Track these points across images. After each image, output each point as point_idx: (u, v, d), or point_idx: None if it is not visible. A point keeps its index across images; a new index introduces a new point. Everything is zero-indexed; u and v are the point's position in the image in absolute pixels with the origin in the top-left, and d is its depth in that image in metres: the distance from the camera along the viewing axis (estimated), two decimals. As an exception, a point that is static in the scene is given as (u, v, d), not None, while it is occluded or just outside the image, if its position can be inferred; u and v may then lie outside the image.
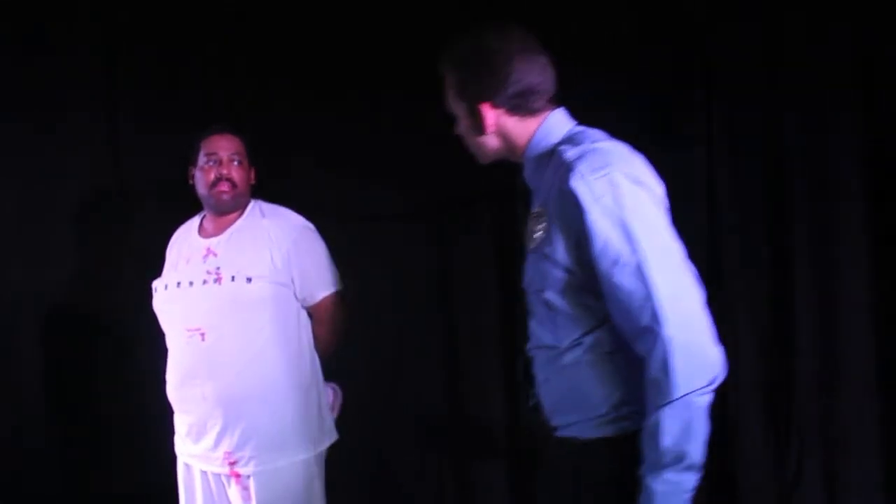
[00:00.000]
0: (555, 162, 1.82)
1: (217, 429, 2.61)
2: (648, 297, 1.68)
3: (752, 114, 3.37)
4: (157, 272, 2.80)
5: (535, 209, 1.89)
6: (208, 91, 3.55)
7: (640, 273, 1.69)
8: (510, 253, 3.66)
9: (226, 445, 2.61)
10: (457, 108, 1.95)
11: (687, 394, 1.65)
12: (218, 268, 2.62)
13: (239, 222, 2.72)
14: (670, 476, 1.67)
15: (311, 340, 2.72)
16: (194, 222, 2.81)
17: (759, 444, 3.37)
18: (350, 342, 2.81)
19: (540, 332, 1.89)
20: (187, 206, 2.88)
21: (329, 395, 2.81)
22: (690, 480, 1.69)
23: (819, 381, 3.29)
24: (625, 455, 1.73)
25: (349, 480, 3.17)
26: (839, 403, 3.27)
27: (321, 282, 2.70)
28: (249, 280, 2.59)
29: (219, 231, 2.71)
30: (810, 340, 3.29)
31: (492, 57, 1.86)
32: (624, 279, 1.70)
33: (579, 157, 1.76)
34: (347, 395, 2.88)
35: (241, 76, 3.55)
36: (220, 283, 2.60)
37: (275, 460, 2.60)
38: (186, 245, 2.76)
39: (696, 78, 3.41)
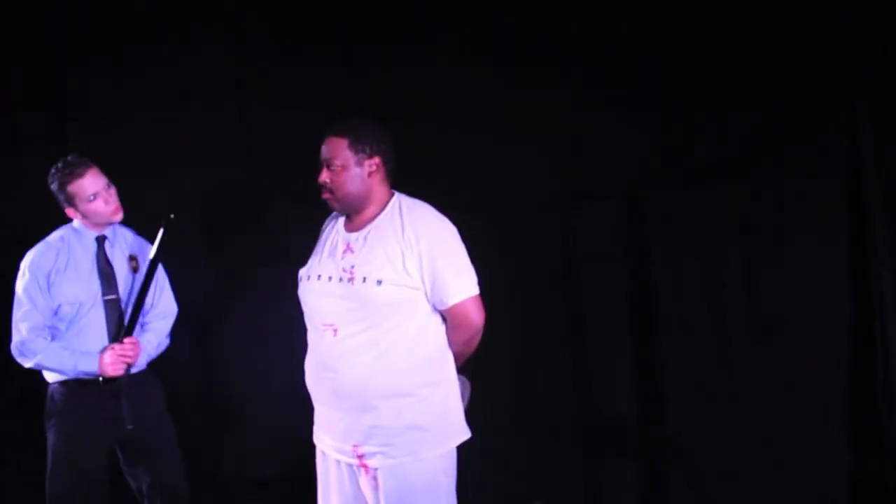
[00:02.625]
0: None
1: (346, 422, 2.66)
2: None
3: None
4: (302, 261, 2.85)
5: None
6: (336, 87, 3.64)
7: None
8: (638, 249, 3.61)
9: (353, 438, 2.65)
10: None
11: None
12: (353, 266, 2.64)
13: (378, 220, 2.69)
14: None
15: (444, 341, 2.71)
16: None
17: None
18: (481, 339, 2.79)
19: None
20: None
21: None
22: None
23: None
24: None
25: (479, 477, 3.18)
26: None
27: (455, 287, 2.64)
28: (380, 283, 2.59)
29: (360, 226, 2.71)
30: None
31: None
32: None
33: None
34: (477, 391, 2.88)
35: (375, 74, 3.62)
36: (352, 283, 2.62)
37: (401, 456, 2.62)
38: (332, 236, 2.78)
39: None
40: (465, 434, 2.74)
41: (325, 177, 2.68)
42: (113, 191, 3.16)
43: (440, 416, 2.68)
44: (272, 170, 3.77)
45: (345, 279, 2.64)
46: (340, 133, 2.69)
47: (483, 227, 3.36)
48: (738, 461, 3.48)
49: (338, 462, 2.73)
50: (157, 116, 3.86)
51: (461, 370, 2.79)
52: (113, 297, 3.15)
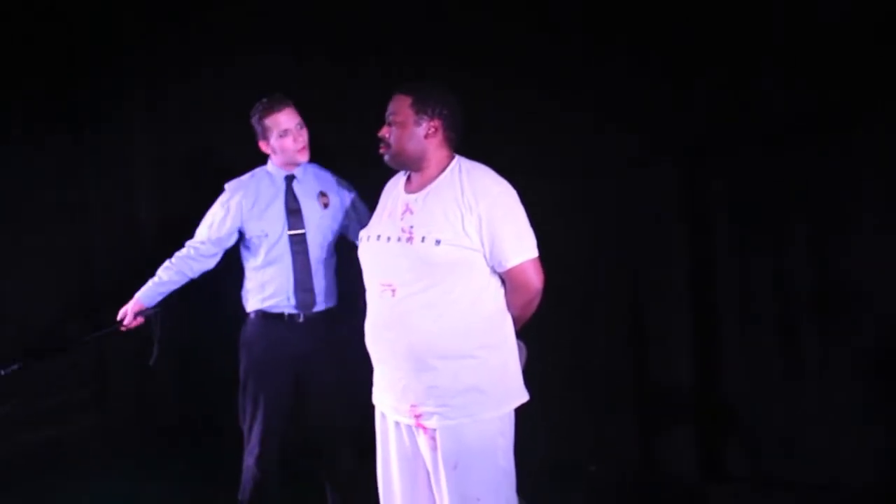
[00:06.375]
0: None
1: (404, 382, 2.66)
2: None
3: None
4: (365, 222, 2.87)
5: None
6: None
7: None
8: (698, 211, 3.54)
9: (411, 398, 2.66)
10: None
11: None
12: (412, 226, 2.64)
13: (438, 180, 2.69)
14: None
15: (503, 303, 2.69)
16: (404, 174, 2.82)
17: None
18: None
19: None
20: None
21: (514, 351, 2.79)
22: None
23: None
24: None
25: (535, 441, 3.17)
26: None
27: (513, 249, 2.62)
28: (438, 243, 2.58)
29: (420, 187, 2.72)
30: None
31: None
32: None
33: None
34: (533, 355, 2.85)
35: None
36: (411, 243, 2.61)
37: (459, 417, 2.62)
38: (392, 197, 2.79)
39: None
40: (523, 396, 2.72)
41: (384, 131, 2.73)
42: (304, 132, 3.31)
43: (499, 378, 2.67)
44: (329, 125, 3.75)
45: (403, 239, 2.64)
46: (406, 91, 2.73)
47: (542, 190, 3.30)
48: (797, 430, 3.43)
49: (397, 423, 2.74)
50: (212, 73, 3.86)
51: (518, 334, 2.76)
52: (299, 231, 3.31)
